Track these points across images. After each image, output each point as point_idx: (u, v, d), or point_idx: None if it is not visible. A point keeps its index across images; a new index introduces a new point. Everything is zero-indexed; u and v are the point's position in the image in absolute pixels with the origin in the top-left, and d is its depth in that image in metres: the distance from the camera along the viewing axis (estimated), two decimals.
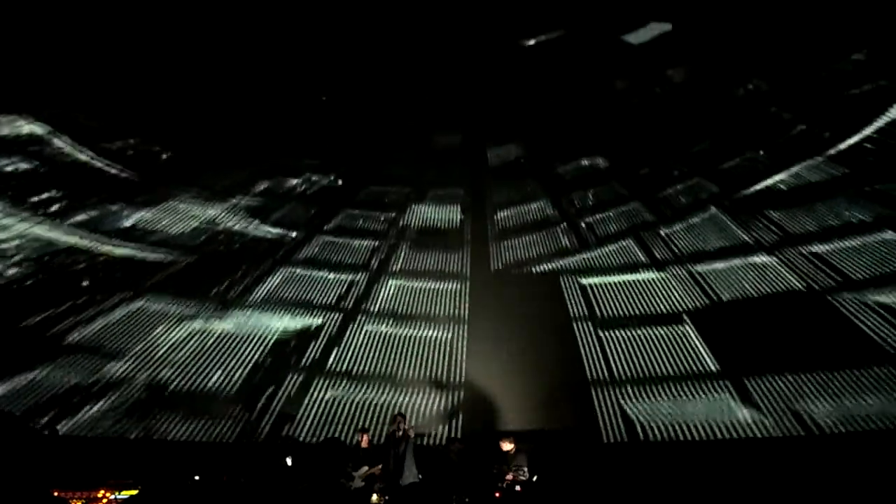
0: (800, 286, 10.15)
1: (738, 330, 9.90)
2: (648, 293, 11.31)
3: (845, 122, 11.97)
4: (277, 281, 12.24)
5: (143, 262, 11.90)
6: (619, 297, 11.48)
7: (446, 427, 9.62)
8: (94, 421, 9.25)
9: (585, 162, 15.08)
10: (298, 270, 12.68)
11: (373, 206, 14.62)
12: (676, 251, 12.05)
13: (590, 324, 11.09)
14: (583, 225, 13.66)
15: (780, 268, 10.68)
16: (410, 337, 11.27)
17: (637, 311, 11.09)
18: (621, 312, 11.23)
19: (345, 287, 12.26)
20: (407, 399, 10.00)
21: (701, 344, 10.03)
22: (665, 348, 10.16)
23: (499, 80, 15.94)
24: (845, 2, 12.26)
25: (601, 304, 11.44)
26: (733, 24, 13.47)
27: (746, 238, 11.61)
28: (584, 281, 11.92)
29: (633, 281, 11.66)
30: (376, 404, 9.88)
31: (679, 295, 11.10)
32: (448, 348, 10.92)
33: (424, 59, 15.55)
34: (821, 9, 12.38)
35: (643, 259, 12.14)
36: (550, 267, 12.55)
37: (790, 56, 12.88)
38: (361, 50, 15.37)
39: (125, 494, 6.64)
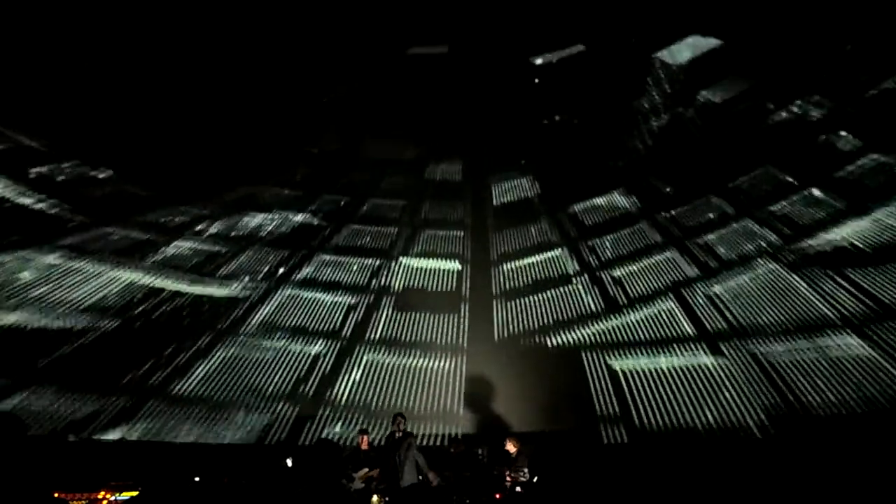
0: None
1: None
2: (704, 389, 8.51)
3: None
4: (216, 362, 9.44)
5: (37, 334, 9.11)
6: (664, 391, 8.71)
7: (447, 428, 9.03)
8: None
9: (607, 199, 13.11)
10: (247, 346, 9.88)
11: (352, 252, 12.09)
12: (731, 321, 9.35)
13: (624, 429, 8.43)
14: (609, 279, 11.05)
15: (884, 363, 7.89)
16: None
17: (692, 419, 8.31)
18: (670, 419, 8.45)
19: (306, 365, 9.56)
20: None
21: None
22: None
23: (504, 99, 14.27)
24: None
25: (640, 405, 8.69)
26: (771, 35, 12.16)
27: (824, 308, 8.92)
28: (616, 364, 9.21)
29: (682, 368, 8.91)
30: None
31: (746, 395, 8.26)
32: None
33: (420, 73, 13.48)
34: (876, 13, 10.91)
35: (689, 330, 9.44)
36: (570, 338, 9.87)
37: (838, 71, 11.65)
38: (355, 65, 14.04)
39: (126, 496, 6.56)
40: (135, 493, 6.50)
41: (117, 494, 6.52)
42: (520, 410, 9.11)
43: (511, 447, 6.95)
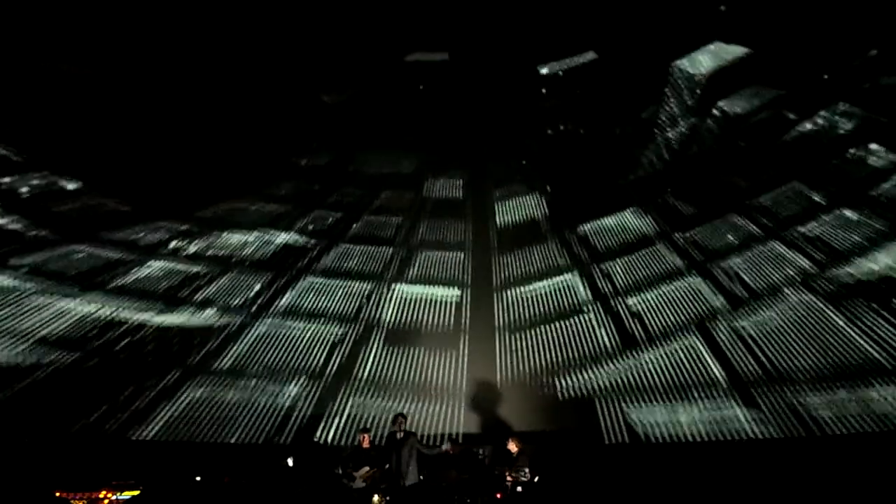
0: None
1: None
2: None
3: None
4: (181, 408, 8.33)
5: None
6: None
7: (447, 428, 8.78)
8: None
9: (618, 218, 12.11)
10: (214, 389, 8.70)
11: (341, 276, 11.04)
12: (768, 368, 8.19)
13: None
14: (625, 309, 9.95)
15: None
16: None
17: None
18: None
19: (279, 417, 8.40)
20: None
21: None
22: None
23: (509, 109, 13.73)
24: None
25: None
26: (794, 41, 11.42)
27: (877, 354, 7.78)
28: (635, 418, 8.06)
29: (719, 432, 7.72)
30: None
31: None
32: None
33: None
34: None
35: (720, 377, 8.27)
36: (582, 383, 8.73)
37: (865, 78, 10.93)
38: (349, 71, 13.40)
39: (127, 495, 6.65)
40: (136, 493, 6.60)
41: (118, 494, 6.61)
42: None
43: (513, 447, 6.94)
